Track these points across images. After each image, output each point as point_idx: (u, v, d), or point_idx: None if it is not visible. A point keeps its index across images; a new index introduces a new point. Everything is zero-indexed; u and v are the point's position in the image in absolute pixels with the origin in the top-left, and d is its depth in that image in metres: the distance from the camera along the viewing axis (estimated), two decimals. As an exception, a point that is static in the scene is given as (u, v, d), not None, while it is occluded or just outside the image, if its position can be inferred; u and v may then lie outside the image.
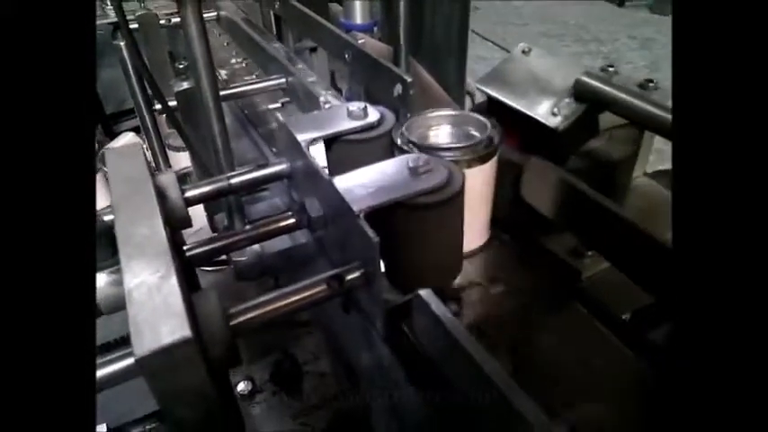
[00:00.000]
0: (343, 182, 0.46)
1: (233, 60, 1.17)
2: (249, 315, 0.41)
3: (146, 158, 0.51)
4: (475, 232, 0.60)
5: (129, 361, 0.36)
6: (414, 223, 0.47)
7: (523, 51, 0.66)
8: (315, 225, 0.52)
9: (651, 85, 0.58)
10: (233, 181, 0.54)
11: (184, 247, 0.50)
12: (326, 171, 0.51)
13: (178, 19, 1.08)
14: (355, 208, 0.43)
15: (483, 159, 0.55)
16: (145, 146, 1.22)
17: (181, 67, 0.87)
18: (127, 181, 0.47)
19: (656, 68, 3.60)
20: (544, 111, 0.60)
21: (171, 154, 1.44)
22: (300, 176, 0.55)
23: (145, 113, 1.14)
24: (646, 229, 0.51)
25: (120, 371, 0.36)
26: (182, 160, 1.51)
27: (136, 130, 2.37)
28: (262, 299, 0.42)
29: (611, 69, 0.64)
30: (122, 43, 1.07)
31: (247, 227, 0.53)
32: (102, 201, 0.48)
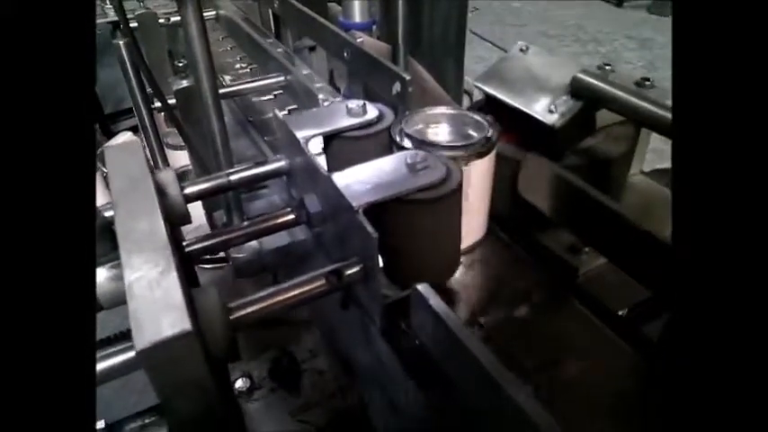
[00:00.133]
0: (342, 178, 0.47)
1: (237, 66, 1.18)
2: (248, 310, 0.42)
3: (145, 155, 0.51)
4: (472, 228, 0.61)
5: (130, 354, 0.37)
6: (412, 219, 0.47)
7: (521, 50, 0.66)
8: (314, 221, 0.52)
9: (648, 83, 0.59)
10: (232, 178, 0.55)
11: (183, 243, 0.50)
12: (325, 168, 0.51)
13: (177, 18, 1.09)
14: (354, 204, 0.44)
15: (480, 156, 0.55)
16: (143, 145, 1.23)
17: (180, 65, 0.88)
18: (127, 177, 0.47)
19: (654, 68, 3.61)
20: (541, 108, 0.61)
21: (169, 152, 1.44)
22: (299, 173, 0.55)
23: (143, 112, 1.14)
24: (642, 225, 0.51)
25: (120, 364, 0.37)
26: (180, 159, 1.52)
27: (134, 129, 2.38)
28: (261, 294, 0.43)
29: (607, 68, 0.64)
30: (121, 42, 1.07)
31: (246, 222, 0.53)
32: (99, 199, 0.49)
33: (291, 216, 0.53)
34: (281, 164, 0.57)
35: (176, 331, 0.33)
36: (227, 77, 1.12)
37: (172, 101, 0.82)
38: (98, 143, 2.28)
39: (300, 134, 0.53)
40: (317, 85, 0.77)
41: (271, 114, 0.92)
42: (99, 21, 1.12)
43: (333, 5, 1.23)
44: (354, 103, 0.57)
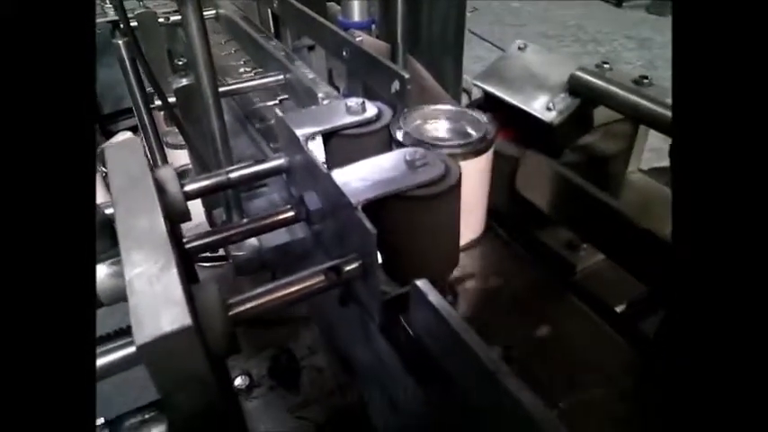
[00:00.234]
0: (342, 175, 0.47)
1: (242, 70, 1.18)
2: (248, 305, 0.42)
3: (145, 153, 0.51)
4: (471, 225, 0.61)
5: (130, 349, 0.37)
6: (411, 215, 0.47)
7: (519, 48, 0.67)
8: (313, 218, 0.52)
9: (645, 81, 0.59)
10: (232, 175, 0.55)
11: (183, 240, 0.51)
12: (325, 165, 0.51)
13: (177, 17, 1.09)
14: (353, 200, 0.44)
15: (478, 153, 0.55)
16: (143, 144, 1.23)
17: (180, 63, 0.88)
18: (127, 175, 0.48)
19: (654, 68, 3.61)
20: (540, 106, 0.61)
21: (169, 152, 1.45)
22: (299, 171, 0.56)
23: (143, 111, 1.14)
24: (640, 222, 0.51)
25: (121, 359, 0.37)
26: (179, 158, 1.52)
27: (133, 129, 2.38)
28: (260, 289, 0.43)
29: (605, 66, 0.65)
30: (121, 42, 1.07)
31: (245, 219, 0.54)
32: (98, 198, 0.49)
33: (291, 213, 0.54)
34: (281, 161, 0.57)
35: (176, 326, 0.33)
36: (229, 80, 1.13)
37: (172, 99, 0.83)
38: (97, 143, 2.28)
39: (300, 132, 0.54)
40: (317, 83, 0.78)
41: (271, 115, 0.92)
42: (98, 20, 1.13)
43: (332, 5, 1.23)
44: (353, 101, 0.57)
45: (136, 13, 1.08)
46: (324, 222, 0.53)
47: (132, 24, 1.03)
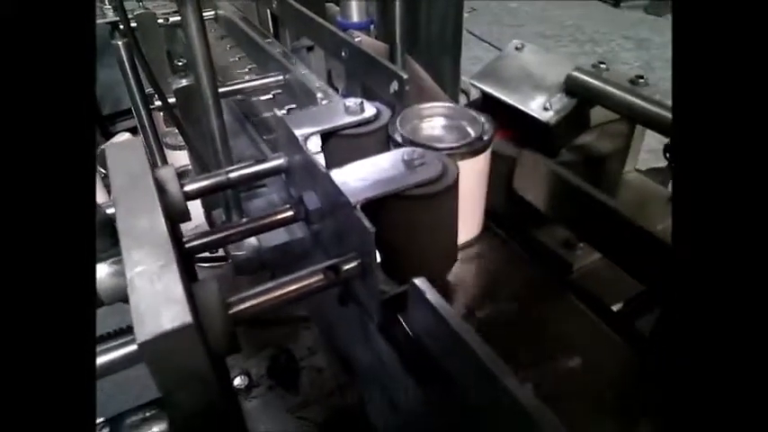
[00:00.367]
0: (340, 175, 0.47)
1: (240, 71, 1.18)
2: (247, 304, 0.42)
3: (145, 153, 0.52)
4: (469, 224, 0.62)
5: (132, 347, 0.37)
6: (409, 214, 0.48)
7: (517, 48, 0.67)
8: (312, 218, 0.53)
9: (641, 81, 0.59)
10: (231, 175, 0.55)
11: (183, 239, 0.51)
12: (323, 165, 0.52)
13: (176, 18, 1.09)
14: (352, 200, 0.44)
15: (476, 153, 0.56)
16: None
17: (180, 64, 0.88)
18: (127, 174, 0.48)
19: (651, 69, 3.62)
20: (537, 105, 0.61)
21: (168, 152, 1.45)
22: (298, 170, 0.56)
23: (142, 112, 1.15)
24: (637, 220, 0.52)
25: (122, 357, 0.37)
26: (179, 159, 1.52)
27: (132, 130, 2.38)
28: (260, 288, 0.43)
29: (602, 66, 0.65)
30: (120, 42, 1.08)
31: (245, 219, 0.54)
32: (98, 199, 0.49)
33: (290, 213, 0.54)
34: (280, 161, 0.58)
35: (177, 324, 0.34)
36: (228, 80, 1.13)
37: (171, 100, 0.83)
38: (96, 144, 2.28)
39: (299, 132, 0.54)
40: (316, 84, 0.78)
41: (269, 113, 0.92)
42: (97, 21, 1.13)
43: (331, 5, 1.23)
44: (352, 101, 0.57)
45: (135, 13, 1.08)
46: (323, 222, 0.53)
47: (131, 25, 1.04)
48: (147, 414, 0.41)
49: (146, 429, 0.40)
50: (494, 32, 4.02)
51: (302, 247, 0.72)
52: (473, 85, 0.68)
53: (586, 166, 0.66)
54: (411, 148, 0.50)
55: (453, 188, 0.48)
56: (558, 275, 0.60)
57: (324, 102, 0.73)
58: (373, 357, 0.61)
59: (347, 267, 0.45)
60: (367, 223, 0.42)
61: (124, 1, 0.77)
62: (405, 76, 0.64)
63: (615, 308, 0.58)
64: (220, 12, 1.16)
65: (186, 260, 0.52)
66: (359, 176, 0.47)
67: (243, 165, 0.56)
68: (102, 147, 1.70)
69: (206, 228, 0.79)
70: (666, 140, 0.64)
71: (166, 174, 0.51)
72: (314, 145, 0.56)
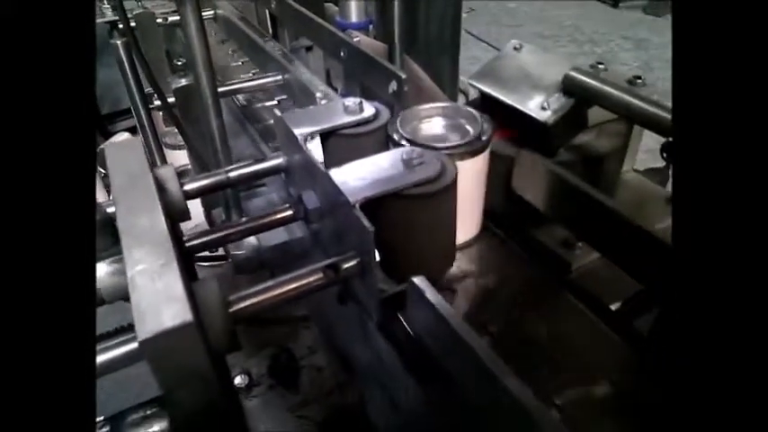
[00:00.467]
0: (340, 174, 0.48)
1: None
2: (247, 302, 0.42)
3: (145, 152, 0.52)
4: (467, 224, 0.62)
5: (133, 345, 0.37)
6: (408, 213, 0.48)
7: (515, 48, 0.67)
8: (311, 217, 0.53)
9: (639, 81, 0.60)
10: (231, 174, 0.55)
11: (183, 238, 0.51)
12: (323, 164, 0.52)
13: (175, 18, 1.09)
14: (351, 199, 0.44)
15: (475, 153, 0.56)
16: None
17: (179, 64, 0.88)
18: (127, 174, 0.48)
19: (650, 69, 3.62)
20: (535, 105, 0.61)
21: (168, 152, 1.45)
22: (297, 170, 0.56)
23: (141, 112, 1.15)
24: (635, 219, 0.52)
25: (123, 355, 0.37)
26: (178, 158, 1.52)
27: (131, 130, 2.38)
28: (259, 287, 0.44)
29: (600, 66, 0.65)
30: (119, 42, 1.08)
31: (244, 218, 0.54)
32: (97, 198, 0.49)
33: (289, 212, 0.54)
34: (280, 161, 0.58)
35: (178, 322, 0.34)
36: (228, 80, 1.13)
37: (171, 99, 0.83)
38: (96, 144, 2.28)
39: (298, 131, 0.54)
40: (315, 83, 0.78)
41: (269, 116, 0.92)
42: (97, 21, 1.13)
43: (329, 5, 1.23)
44: (351, 101, 0.58)
45: (134, 13, 1.08)
46: (322, 221, 0.53)
47: (131, 25, 1.04)
48: (148, 412, 0.42)
49: (146, 427, 0.40)
50: (492, 33, 4.03)
51: (301, 247, 0.72)
52: (471, 84, 0.68)
53: (584, 165, 0.66)
54: (410, 148, 0.50)
55: (452, 187, 0.48)
56: (556, 275, 0.60)
57: (323, 101, 0.73)
58: (373, 356, 0.61)
59: (346, 266, 0.46)
60: (366, 222, 0.42)
61: (123, 0, 0.77)
62: (403, 76, 0.65)
63: (614, 307, 0.58)
64: (219, 12, 1.16)
65: (186, 259, 0.52)
66: (358, 176, 0.47)
67: (242, 164, 0.56)
68: (102, 146, 1.70)
69: (206, 227, 0.79)
70: (663, 140, 0.65)
71: (166, 173, 0.51)
72: (313, 145, 0.57)
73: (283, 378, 0.85)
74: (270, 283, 0.44)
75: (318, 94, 0.74)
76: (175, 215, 0.51)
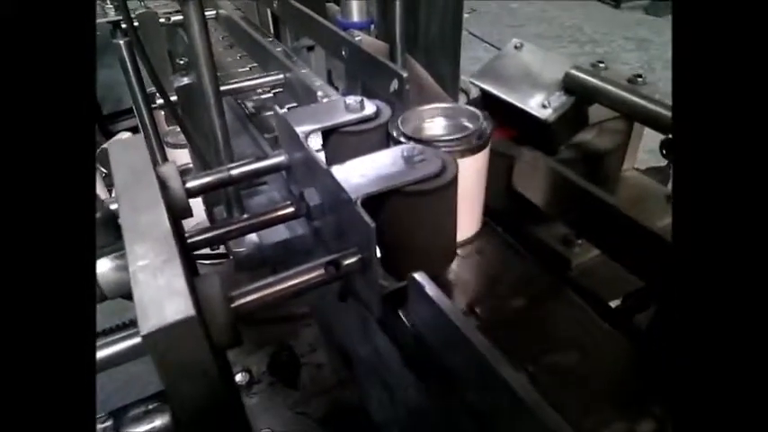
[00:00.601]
0: (341, 171, 0.48)
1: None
2: (249, 298, 0.43)
3: (147, 150, 0.52)
4: (468, 221, 0.62)
5: (136, 340, 0.38)
6: (409, 210, 0.48)
7: (516, 47, 0.68)
8: (313, 214, 0.53)
9: (640, 80, 0.60)
10: (233, 172, 0.56)
11: (185, 235, 0.51)
12: (324, 161, 0.52)
13: (177, 17, 1.10)
14: (353, 195, 0.45)
15: (475, 150, 0.56)
16: (143, 143, 1.23)
17: (181, 63, 0.89)
18: (130, 171, 0.48)
19: (651, 69, 3.63)
20: (535, 103, 0.62)
21: (169, 151, 1.45)
22: (299, 167, 0.56)
23: (143, 111, 1.15)
24: (635, 216, 0.52)
25: (127, 349, 0.38)
26: (180, 157, 1.53)
27: (133, 130, 2.38)
28: (261, 283, 0.44)
29: (601, 65, 0.66)
30: (122, 42, 1.08)
31: (246, 215, 0.55)
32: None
33: (291, 209, 0.54)
34: (281, 159, 0.58)
35: (180, 317, 0.34)
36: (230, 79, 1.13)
37: (173, 98, 0.83)
38: (97, 144, 2.28)
39: (300, 129, 0.54)
40: (316, 82, 0.79)
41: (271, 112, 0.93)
42: (98, 20, 1.13)
43: (331, 5, 1.24)
44: (352, 99, 0.58)
45: (137, 13, 1.09)
46: (323, 218, 0.54)
47: (134, 24, 1.04)
48: (150, 407, 0.42)
49: (149, 422, 0.41)
50: (494, 33, 4.03)
51: (303, 244, 0.73)
52: (473, 83, 0.68)
53: (585, 163, 0.66)
54: (411, 145, 0.50)
55: (452, 184, 0.48)
56: (556, 272, 0.60)
57: (324, 100, 0.73)
58: (373, 352, 0.61)
59: (348, 262, 0.46)
60: (367, 218, 0.42)
61: (126, 0, 0.78)
62: (405, 75, 0.65)
63: (613, 304, 0.59)
64: (221, 11, 1.16)
65: (188, 256, 0.52)
66: (359, 172, 0.48)
67: (244, 161, 0.57)
68: (104, 146, 1.71)
69: (207, 224, 0.79)
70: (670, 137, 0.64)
71: (168, 170, 0.51)
72: (315, 142, 0.57)
73: (284, 375, 0.86)
74: (271, 279, 0.44)
75: (320, 93, 0.74)
76: (178, 212, 0.51)
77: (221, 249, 1.16)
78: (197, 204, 0.63)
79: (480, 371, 0.39)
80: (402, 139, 0.57)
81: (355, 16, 1.12)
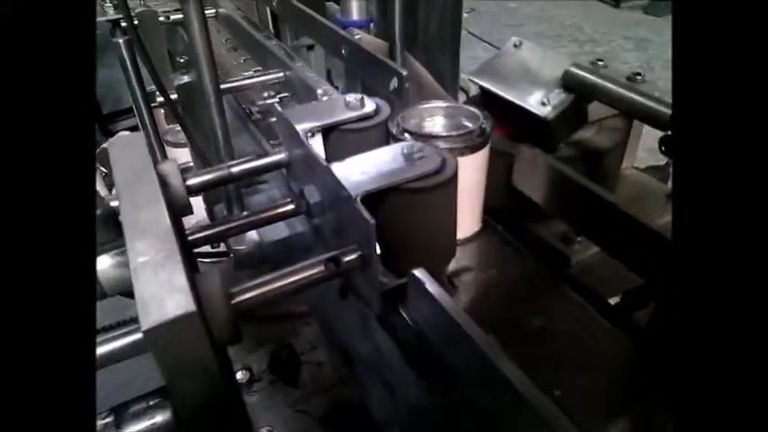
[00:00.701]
0: (341, 168, 0.48)
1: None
2: (249, 294, 0.43)
3: (147, 148, 0.52)
4: (468, 219, 0.62)
5: (137, 336, 0.38)
6: (409, 207, 0.48)
7: (515, 45, 0.68)
8: (313, 211, 0.53)
9: (639, 77, 0.60)
10: (233, 170, 0.56)
11: (186, 232, 0.52)
12: (324, 159, 0.52)
13: (177, 16, 1.10)
14: (353, 192, 0.45)
15: (475, 148, 0.56)
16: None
17: (182, 61, 0.89)
18: (131, 169, 0.49)
19: (651, 68, 3.63)
20: (535, 101, 0.62)
21: (169, 150, 1.45)
22: (299, 165, 0.57)
23: (143, 110, 1.15)
24: (635, 214, 0.52)
25: (127, 346, 0.38)
26: (180, 156, 1.52)
27: (133, 129, 2.38)
28: (261, 279, 0.44)
29: (600, 63, 0.66)
30: (121, 40, 1.08)
31: (246, 212, 0.55)
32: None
33: (291, 206, 0.55)
34: (281, 156, 0.58)
35: (181, 312, 0.34)
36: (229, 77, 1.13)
37: (173, 96, 0.83)
38: (97, 143, 2.28)
39: (300, 127, 0.55)
40: (316, 80, 0.79)
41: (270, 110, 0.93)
42: (98, 19, 1.13)
43: (331, 4, 1.24)
44: (352, 97, 0.58)
45: (136, 11, 1.09)
46: (323, 215, 0.54)
47: (134, 23, 1.04)
48: (151, 403, 0.42)
49: (150, 417, 0.41)
50: (493, 33, 4.03)
51: (303, 242, 0.73)
52: (472, 81, 0.69)
53: (585, 160, 0.67)
54: (410, 142, 0.51)
55: (452, 182, 0.49)
56: (556, 269, 0.61)
57: (324, 98, 0.74)
58: (373, 350, 0.61)
59: (348, 259, 0.46)
60: (367, 215, 0.42)
61: (126, -1, 0.78)
62: (404, 73, 0.65)
63: (613, 301, 0.59)
64: (221, 10, 1.16)
65: (188, 253, 0.53)
66: (359, 170, 0.48)
67: (245, 159, 0.57)
68: (103, 146, 1.71)
69: (207, 222, 0.79)
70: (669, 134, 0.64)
71: (169, 168, 0.52)
72: (314, 140, 0.57)
73: (284, 373, 0.86)
74: (272, 275, 0.44)
75: (320, 91, 0.74)
76: (178, 209, 0.51)
77: (221, 248, 1.16)
78: (197, 204, 0.63)
79: (481, 367, 0.39)
80: (402, 135, 0.58)
81: (355, 15, 1.12)
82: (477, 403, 0.42)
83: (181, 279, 0.37)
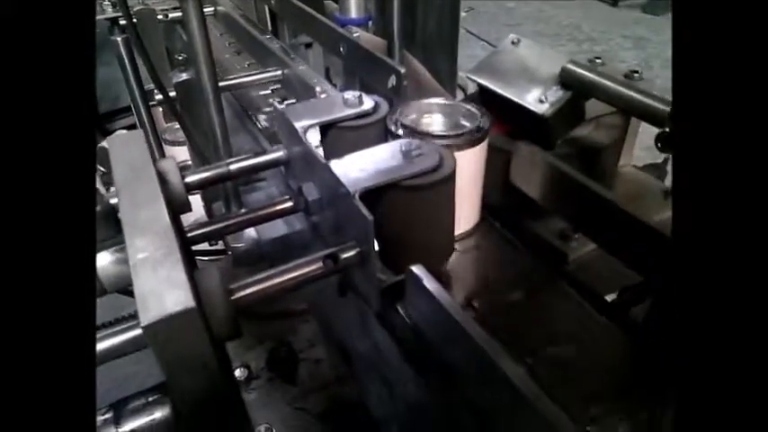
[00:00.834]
0: (339, 165, 0.48)
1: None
2: (248, 290, 0.43)
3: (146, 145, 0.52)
4: (465, 216, 0.62)
5: (136, 332, 0.38)
6: (407, 204, 0.49)
7: (513, 42, 0.68)
8: (312, 208, 0.54)
9: (636, 75, 0.60)
10: (232, 167, 0.56)
11: (185, 229, 0.52)
12: (322, 156, 0.53)
13: (176, 14, 1.10)
14: (351, 189, 0.45)
15: (473, 145, 0.57)
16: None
17: (180, 59, 0.89)
18: (130, 166, 0.49)
19: (649, 67, 3.63)
20: (532, 98, 0.62)
21: (167, 148, 1.45)
22: (297, 162, 0.57)
23: (141, 108, 1.15)
24: (632, 210, 0.52)
25: (127, 341, 0.38)
26: (178, 154, 1.52)
27: (130, 128, 2.38)
28: (260, 275, 0.44)
29: (597, 61, 0.66)
30: (119, 39, 1.08)
31: (244, 210, 0.55)
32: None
33: (289, 204, 0.55)
34: (280, 154, 0.58)
35: (180, 307, 0.34)
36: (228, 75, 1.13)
37: (171, 94, 0.84)
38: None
39: (298, 124, 0.55)
40: (314, 78, 0.79)
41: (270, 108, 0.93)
42: (97, 17, 1.13)
43: (329, 2, 1.24)
44: (351, 94, 0.58)
45: (135, 9, 1.09)
46: (322, 213, 0.54)
47: (133, 21, 1.04)
48: (150, 399, 0.42)
49: (149, 413, 0.41)
50: (491, 32, 4.03)
51: (301, 240, 0.73)
52: (469, 78, 0.69)
53: (582, 157, 0.67)
54: (409, 140, 0.51)
55: (450, 178, 0.49)
56: (553, 266, 0.61)
57: (322, 96, 0.74)
58: (372, 347, 0.62)
59: (346, 255, 0.46)
60: (365, 211, 0.43)
61: (124, -3, 0.78)
62: (402, 71, 0.65)
63: (609, 298, 0.59)
64: (219, 8, 1.16)
65: (187, 250, 0.53)
66: (358, 167, 0.48)
67: (243, 156, 0.57)
68: (101, 144, 1.70)
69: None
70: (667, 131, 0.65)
71: (168, 165, 0.52)
72: (313, 138, 0.57)
73: (282, 371, 0.86)
74: (270, 271, 0.45)
75: (318, 89, 0.74)
76: (177, 207, 0.52)
77: (220, 246, 1.16)
78: (196, 203, 0.63)
79: (480, 364, 0.39)
80: (400, 132, 0.58)
81: (353, 13, 1.12)
82: (476, 401, 0.42)
83: (180, 275, 0.37)
